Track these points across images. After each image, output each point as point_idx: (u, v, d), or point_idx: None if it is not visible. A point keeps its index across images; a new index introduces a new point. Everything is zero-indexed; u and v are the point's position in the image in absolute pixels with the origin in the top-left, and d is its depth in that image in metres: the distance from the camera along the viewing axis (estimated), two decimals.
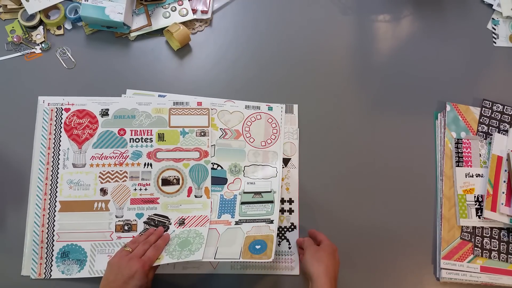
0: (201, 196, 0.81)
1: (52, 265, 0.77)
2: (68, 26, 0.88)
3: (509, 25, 0.95)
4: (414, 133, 0.88)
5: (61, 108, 0.82)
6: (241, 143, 0.84)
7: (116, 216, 0.79)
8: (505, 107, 0.89)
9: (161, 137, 0.83)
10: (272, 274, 0.80)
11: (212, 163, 0.83)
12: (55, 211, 0.78)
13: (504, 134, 0.87)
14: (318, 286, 0.67)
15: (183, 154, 0.82)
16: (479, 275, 0.81)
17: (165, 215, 0.80)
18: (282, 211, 0.82)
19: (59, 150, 0.81)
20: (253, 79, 0.89)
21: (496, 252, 0.82)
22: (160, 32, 0.89)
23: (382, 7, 0.95)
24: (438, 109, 0.90)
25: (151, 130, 0.83)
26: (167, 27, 0.86)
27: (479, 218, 0.83)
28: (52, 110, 0.82)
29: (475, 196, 0.84)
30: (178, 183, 0.81)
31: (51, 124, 0.82)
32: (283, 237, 0.81)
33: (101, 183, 0.80)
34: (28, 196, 0.79)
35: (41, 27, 0.87)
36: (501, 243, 0.83)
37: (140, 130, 0.82)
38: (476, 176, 0.85)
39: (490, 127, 0.88)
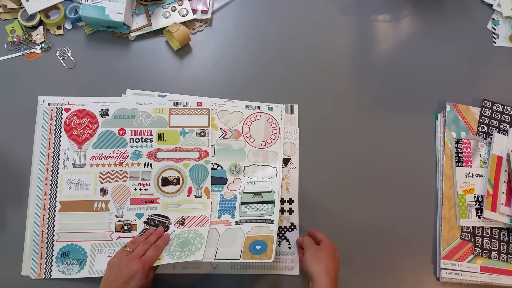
0: (201, 196, 0.81)
1: (52, 265, 0.77)
2: (68, 26, 0.88)
3: (509, 25, 0.95)
4: (414, 133, 0.88)
5: (61, 108, 0.82)
6: (241, 143, 0.84)
7: (116, 216, 0.79)
8: (505, 107, 0.89)
9: (161, 137, 0.83)
10: (272, 274, 0.80)
11: (212, 163, 0.83)
12: (55, 211, 0.78)
13: (504, 134, 0.87)
14: (318, 285, 0.67)
15: (183, 154, 0.82)
16: (479, 275, 0.81)
17: (165, 215, 0.80)
18: (282, 211, 0.82)
19: (59, 150, 0.81)
20: (253, 79, 0.89)
21: (496, 252, 0.82)
22: (160, 32, 0.89)
23: (382, 7, 0.95)
24: (438, 109, 0.90)
25: (151, 130, 0.83)
26: (167, 27, 0.86)
27: (479, 218, 0.83)
28: (52, 110, 0.82)
29: (475, 196, 0.84)
30: (178, 183, 0.81)
31: (51, 124, 0.82)
32: (283, 237, 0.81)
33: (101, 183, 0.80)
34: (28, 196, 0.79)
35: (41, 27, 0.87)
36: (501, 243, 0.83)
37: (140, 130, 0.82)
38: (476, 176, 0.85)
39: (490, 127, 0.88)
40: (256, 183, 0.82)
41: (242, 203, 0.81)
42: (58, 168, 0.80)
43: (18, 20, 0.86)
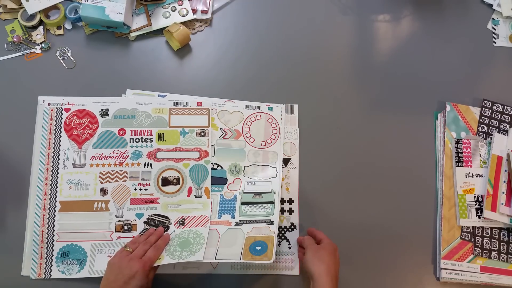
0: (201, 196, 0.81)
1: (52, 265, 0.77)
2: (68, 26, 0.88)
3: (509, 25, 0.95)
4: (414, 133, 0.88)
5: (61, 108, 0.82)
6: (241, 143, 0.84)
7: (116, 216, 0.79)
8: (505, 107, 0.89)
9: (161, 137, 0.83)
10: (272, 274, 0.80)
11: (212, 163, 0.83)
12: (55, 211, 0.78)
13: (504, 134, 0.87)
14: (319, 285, 0.67)
15: (183, 154, 0.82)
16: (479, 275, 0.81)
17: (165, 215, 0.80)
18: (282, 211, 0.82)
19: (59, 150, 0.81)
20: (253, 79, 0.89)
21: (496, 252, 0.82)
22: (160, 32, 0.89)
23: (382, 7, 0.95)
24: (438, 109, 0.90)
25: (151, 130, 0.83)
26: (167, 27, 0.86)
27: (479, 218, 0.83)
28: (52, 110, 0.82)
29: (475, 196, 0.84)
30: (178, 183, 0.81)
31: (51, 124, 0.82)
32: (283, 237, 0.81)
33: (101, 183, 0.80)
34: (28, 196, 0.79)
35: (41, 27, 0.87)
36: (501, 243, 0.83)
37: (140, 130, 0.82)
38: (476, 176, 0.85)
39: (490, 127, 0.88)
40: (256, 183, 0.82)
41: (242, 203, 0.81)
42: (58, 168, 0.80)
43: (18, 20, 0.86)
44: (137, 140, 0.82)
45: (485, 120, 0.88)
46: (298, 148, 0.86)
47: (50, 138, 0.81)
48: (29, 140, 0.81)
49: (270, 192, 0.81)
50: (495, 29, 0.95)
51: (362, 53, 0.92)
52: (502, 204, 0.83)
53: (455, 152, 0.86)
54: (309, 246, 0.73)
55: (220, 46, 0.90)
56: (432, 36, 0.94)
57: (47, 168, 0.80)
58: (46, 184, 0.79)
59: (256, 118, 0.86)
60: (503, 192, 0.84)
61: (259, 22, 0.92)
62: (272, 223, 0.77)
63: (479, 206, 0.83)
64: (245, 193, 0.82)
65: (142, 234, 0.78)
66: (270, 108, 0.87)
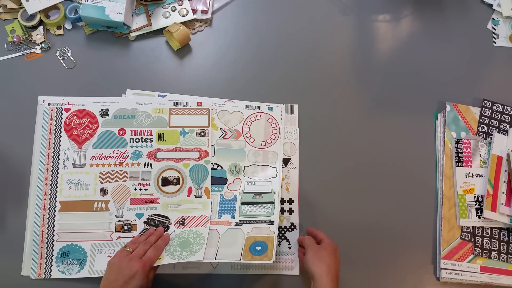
0: (201, 196, 0.81)
1: (52, 265, 0.77)
2: (68, 26, 0.88)
3: (509, 25, 0.95)
4: (414, 133, 0.88)
5: (61, 108, 0.82)
6: (241, 143, 0.84)
7: (116, 216, 0.79)
8: (505, 107, 0.89)
9: (161, 137, 0.83)
10: (272, 274, 0.80)
11: (212, 163, 0.83)
12: (55, 211, 0.78)
13: (504, 134, 0.87)
14: (320, 285, 0.67)
15: (183, 154, 0.82)
16: (479, 275, 0.81)
17: (165, 215, 0.80)
18: (282, 211, 0.82)
19: (59, 150, 0.81)
20: (253, 79, 0.88)
21: (496, 252, 0.82)
22: (160, 32, 0.89)
23: (382, 7, 0.95)
24: (438, 109, 0.90)
25: (151, 130, 0.83)
26: (167, 27, 0.86)
27: (479, 218, 0.83)
28: (52, 110, 0.82)
29: (475, 196, 0.84)
30: (178, 183, 0.81)
31: (51, 124, 0.82)
32: (283, 237, 0.81)
33: (101, 183, 0.80)
34: (28, 196, 0.79)
35: (41, 27, 0.87)
36: (501, 243, 0.83)
37: (140, 130, 0.82)
38: (476, 176, 0.85)
39: (490, 127, 0.88)
40: (256, 183, 0.82)
41: (242, 204, 0.81)
42: (58, 168, 0.80)
43: (18, 20, 0.86)
44: (137, 140, 0.82)
45: (485, 120, 0.88)
46: (298, 148, 0.86)
47: (50, 138, 0.81)
48: (29, 140, 0.81)
49: (270, 192, 0.81)
50: (495, 29, 0.95)
51: (362, 53, 0.92)
52: (502, 204, 0.83)
53: (455, 152, 0.86)
54: (309, 246, 0.73)
55: (220, 46, 0.90)
56: (432, 36, 0.94)
57: (47, 168, 0.80)
58: (46, 184, 0.79)
59: (256, 118, 0.86)
60: (503, 192, 0.84)
61: (259, 22, 0.92)
62: (272, 223, 0.77)
63: (479, 206, 0.83)
64: (245, 193, 0.82)
65: (142, 234, 0.78)
66: (270, 108, 0.87)
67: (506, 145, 0.86)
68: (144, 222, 0.80)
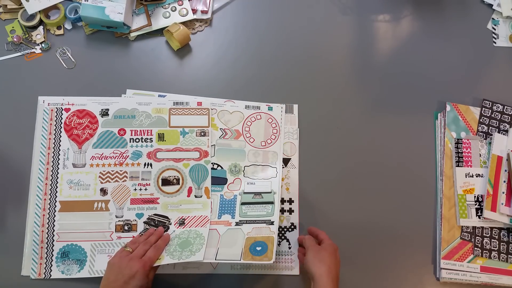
0: (201, 196, 0.81)
1: (52, 265, 0.77)
2: (68, 26, 0.88)
3: (509, 25, 0.95)
4: (414, 133, 0.88)
5: (61, 108, 0.82)
6: (241, 143, 0.84)
7: (116, 216, 0.79)
8: (505, 107, 0.89)
9: (161, 137, 0.83)
10: (272, 274, 0.80)
11: (212, 163, 0.83)
12: (55, 211, 0.78)
13: (504, 134, 0.87)
14: (320, 286, 0.67)
15: (183, 154, 0.82)
16: (479, 275, 0.81)
17: (165, 215, 0.80)
18: (282, 211, 0.82)
19: (59, 150, 0.81)
20: (253, 79, 0.88)
21: (496, 252, 0.82)
22: (160, 32, 0.89)
23: (382, 7, 0.95)
24: (438, 109, 0.90)
25: (151, 130, 0.83)
26: (167, 27, 0.86)
27: (479, 218, 0.83)
28: (52, 110, 0.82)
29: (475, 196, 0.84)
30: (178, 183, 0.81)
31: (51, 124, 0.82)
32: (283, 237, 0.81)
33: (101, 183, 0.80)
34: (28, 196, 0.79)
35: (41, 27, 0.87)
36: (501, 243, 0.83)
37: (140, 130, 0.82)
38: (476, 176, 0.85)
39: (490, 127, 0.88)
40: (256, 183, 0.82)
41: (242, 204, 0.81)
42: (58, 168, 0.80)
43: (18, 20, 0.86)
44: (137, 140, 0.82)
45: (485, 120, 0.88)
46: (298, 148, 0.86)
47: (50, 138, 0.81)
48: (29, 140, 0.81)
49: (270, 192, 0.81)
50: (495, 29, 0.95)
51: (362, 53, 0.92)
52: (502, 204, 0.83)
53: (455, 152, 0.86)
54: (310, 247, 0.73)
55: (220, 46, 0.90)
56: (432, 36, 0.94)
57: (47, 168, 0.80)
58: (46, 184, 0.79)
59: (256, 118, 0.86)
60: (503, 192, 0.84)
61: (259, 22, 0.92)
62: (272, 223, 0.77)
63: (479, 206, 0.83)
64: (245, 193, 0.82)
65: (142, 234, 0.78)
66: (270, 108, 0.87)
67: (506, 145, 0.86)
68: (144, 222, 0.80)
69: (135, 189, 0.80)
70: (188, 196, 0.81)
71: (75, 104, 0.83)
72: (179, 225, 0.79)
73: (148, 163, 0.81)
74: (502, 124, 0.88)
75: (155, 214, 0.80)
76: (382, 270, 0.82)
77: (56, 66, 0.86)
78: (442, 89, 0.91)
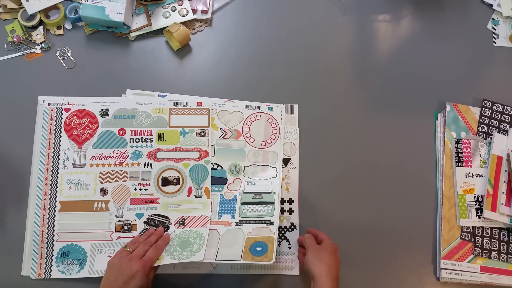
0: (201, 196, 0.81)
1: (52, 265, 0.77)
2: (68, 26, 0.88)
3: (509, 25, 0.95)
4: (414, 133, 0.88)
5: (61, 108, 0.82)
6: (241, 143, 0.84)
7: (116, 216, 0.79)
8: (505, 107, 0.89)
9: (161, 137, 0.83)
10: (272, 274, 0.80)
11: (212, 163, 0.83)
12: (55, 211, 0.78)
13: (504, 134, 0.87)
14: (320, 285, 0.67)
15: (183, 154, 0.82)
16: (479, 275, 0.81)
17: (165, 215, 0.80)
18: (282, 211, 0.82)
19: (59, 150, 0.81)
20: (253, 79, 0.88)
21: (496, 252, 0.82)
22: (160, 32, 0.89)
23: (382, 7, 0.95)
24: (438, 109, 0.90)
25: (151, 130, 0.83)
26: (167, 27, 0.86)
27: (479, 218, 0.83)
28: (52, 110, 0.82)
29: (475, 196, 0.84)
30: (178, 183, 0.81)
31: (51, 124, 0.82)
32: (283, 237, 0.81)
33: (101, 183, 0.80)
34: (28, 196, 0.79)
35: (41, 27, 0.87)
36: (501, 243, 0.83)
37: (140, 130, 0.82)
38: (476, 176, 0.85)
39: (490, 127, 0.88)
40: (256, 183, 0.82)
41: (242, 204, 0.81)
42: (58, 168, 0.80)
43: (18, 20, 0.86)
44: (137, 140, 0.82)
45: (485, 120, 0.88)
46: (298, 148, 0.86)
47: (50, 138, 0.81)
48: (29, 140, 0.81)
49: (270, 193, 0.81)
50: (495, 29, 0.95)
51: (362, 53, 0.92)
52: (502, 204, 0.83)
53: (455, 152, 0.86)
54: (310, 246, 0.73)
55: (220, 46, 0.90)
56: (432, 36, 0.94)
57: (47, 168, 0.80)
58: (46, 184, 0.79)
59: (256, 118, 0.86)
60: (503, 192, 0.84)
61: (259, 22, 0.92)
62: (272, 223, 0.77)
63: (479, 206, 0.83)
64: (245, 193, 0.82)
65: (142, 234, 0.78)
66: (270, 108, 0.87)
67: (506, 145, 0.86)
68: (144, 222, 0.80)
69: (135, 189, 0.80)
70: (188, 196, 0.81)
71: (75, 104, 0.83)
72: (179, 225, 0.79)
73: (148, 163, 0.81)
74: (502, 124, 0.88)
75: (155, 214, 0.80)
76: (382, 270, 0.82)
77: (56, 66, 0.86)
78: (442, 89, 0.91)
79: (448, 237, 0.82)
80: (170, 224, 0.79)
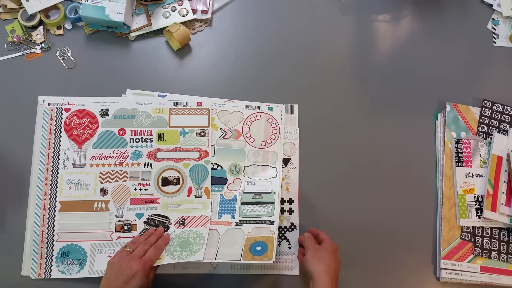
0: (201, 196, 0.81)
1: (52, 265, 0.77)
2: (68, 26, 0.88)
3: (509, 25, 0.95)
4: (414, 133, 0.88)
5: (61, 108, 0.82)
6: (241, 143, 0.84)
7: (116, 216, 0.79)
8: (505, 107, 0.89)
9: (161, 137, 0.83)
10: (272, 274, 0.80)
11: (212, 163, 0.83)
12: (55, 211, 0.78)
13: (504, 134, 0.87)
14: (318, 284, 0.67)
15: (183, 154, 0.82)
16: (479, 275, 0.81)
17: (165, 215, 0.80)
18: (282, 211, 0.82)
19: (59, 150, 0.81)
20: (253, 79, 0.89)
21: (496, 252, 0.82)
22: (160, 32, 0.89)
23: (382, 7, 0.95)
24: (438, 109, 0.90)
25: (151, 130, 0.83)
26: (167, 27, 0.86)
27: (479, 218, 0.83)
28: (52, 110, 0.82)
29: (475, 196, 0.84)
30: (178, 183, 0.81)
31: (51, 124, 0.82)
32: (283, 237, 0.81)
33: (101, 183, 0.80)
34: (28, 196, 0.79)
35: (41, 27, 0.87)
36: (501, 243, 0.83)
37: (140, 130, 0.82)
38: (476, 176, 0.85)
39: (490, 127, 0.88)
40: (256, 183, 0.82)
41: (242, 204, 0.81)
42: (58, 168, 0.80)
43: (18, 20, 0.86)
44: (137, 140, 0.82)
45: (485, 120, 0.88)
46: (298, 148, 0.86)
47: (50, 138, 0.81)
48: (29, 140, 0.81)
49: (270, 192, 0.81)
50: (495, 29, 0.95)
51: (362, 53, 0.92)
52: (502, 204, 0.83)
53: (455, 152, 0.86)
54: (309, 246, 0.73)
55: (220, 46, 0.90)
56: (432, 36, 0.94)
57: (47, 168, 0.80)
58: (46, 184, 0.79)
59: (256, 118, 0.86)
60: (503, 192, 0.84)
61: (259, 22, 0.92)
62: (272, 223, 0.77)
63: (479, 206, 0.83)
64: (245, 193, 0.82)
65: (142, 234, 0.78)
66: (270, 108, 0.87)
67: (506, 145, 0.86)
68: (144, 222, 0.80)
69: (135, 189, 0.80)
70: (188, 196, 0.81)
71: (75, 104, 0.83)
72: (179, 225, 0.79)
73: (148, 163, 0.81)
74: (502, 124, 0.88)
75: (155, 214, 0.80)
76: (382, 270, 0.82)
77: (56, 66, 0.86)
78: (442, 89, 0.91)
79: (448, 237, 0.82)
80: (170, 224, 0.79)
